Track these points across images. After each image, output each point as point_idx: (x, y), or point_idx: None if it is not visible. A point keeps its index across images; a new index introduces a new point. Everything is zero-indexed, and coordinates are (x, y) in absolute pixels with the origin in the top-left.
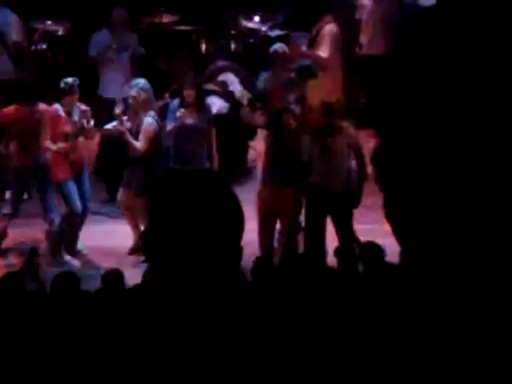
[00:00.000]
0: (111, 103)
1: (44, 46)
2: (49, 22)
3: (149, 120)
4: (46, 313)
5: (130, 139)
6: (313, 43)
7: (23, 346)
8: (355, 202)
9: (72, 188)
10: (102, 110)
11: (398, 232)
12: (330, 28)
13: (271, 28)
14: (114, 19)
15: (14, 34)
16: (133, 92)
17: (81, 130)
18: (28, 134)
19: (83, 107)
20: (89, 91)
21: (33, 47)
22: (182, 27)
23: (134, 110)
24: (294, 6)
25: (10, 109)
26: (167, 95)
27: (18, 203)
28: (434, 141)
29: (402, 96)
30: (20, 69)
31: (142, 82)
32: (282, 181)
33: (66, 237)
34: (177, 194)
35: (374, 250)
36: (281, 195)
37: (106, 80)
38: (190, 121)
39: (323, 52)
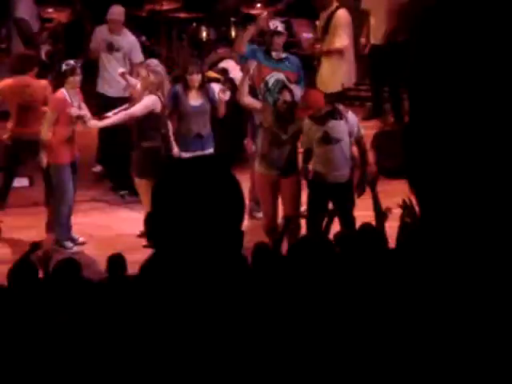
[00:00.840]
0: (106, 101)
1: (48, 47)
2: (50, 10)
3: (152, 97)
4: (50, 300)
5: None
6: (326, 30)
7: (25, 339)
8: (360, 190)
9: (68, 175)
10: (99, 105)
11: (420, 199)
12: (342, 14)
13: (273, 15)
14: (110, 17)
15: (20, 12)
16: (143, 72)
17: (81, 116)
18: (23, 107)
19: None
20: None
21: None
22: (183, 14)
23: (142, 90)
24: None
25: (7, 81)
26: (168, 81)
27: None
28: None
29: (427, 82)
30: (27, 46)
31: (154, 62)
32: (282, 168)
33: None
34: (179, 178)
35: (373, 234)
36: (281, 182)
37: (101, 77)
38: (195, 103)
39: (343, 39)
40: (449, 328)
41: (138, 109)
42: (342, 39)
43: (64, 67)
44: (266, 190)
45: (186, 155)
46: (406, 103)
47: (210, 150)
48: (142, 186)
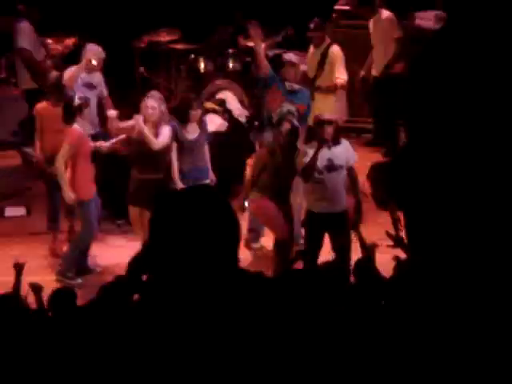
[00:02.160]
0: None
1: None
2: (49, 41)
3: (168, 127)
4: (44, 331)
5: (147, 132)
6: (321, 66)
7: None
8: (356, 221)
9: (93, 209)
10: None
11: (409, 231)
12: (338, 50)
13: (269, 47)
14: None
15: (22, 42)
16: (152, 102)
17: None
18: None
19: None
20: None
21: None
22: (181, 45)
23: (152, 121)
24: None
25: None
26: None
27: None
28: (452, 151)
29: (424, 110)
30: (34, 77)
31: (157, 93)
32: (283, 197)
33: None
34: (176, 208)
35: (366, 263)
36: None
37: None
38: (192, 137)
39: (344, 75)
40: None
41: (163, 140)
42: (342, 74)
43: (78, 101)
44: (267, 207)
45: (182, 185)
46: (402, 135)
47: (207, 181)
48: (134, 214)
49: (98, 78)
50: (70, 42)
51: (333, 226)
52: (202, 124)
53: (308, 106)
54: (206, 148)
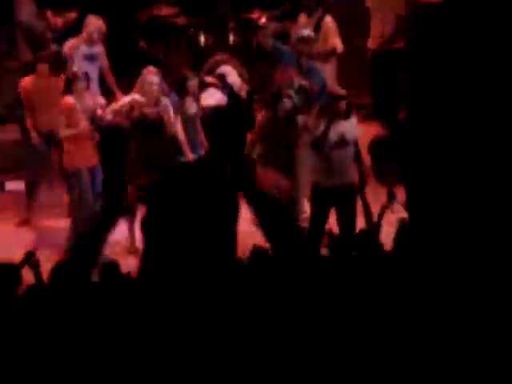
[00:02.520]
0: None
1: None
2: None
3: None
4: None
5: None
6: (316, 35)
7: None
8: (362, 186)
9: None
10: None
11: (411, 200)
12: (330, 19)
13: (269, 20)
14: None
15: (22, 15)
16: (156, 79)
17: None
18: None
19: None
20: None
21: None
22: (181, 20)
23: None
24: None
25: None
26: (166, 86)
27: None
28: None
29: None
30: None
31: (154, 68)
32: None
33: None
34: (173, 181)
35: (367, 237)
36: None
37: None
38: (192, 111)
39: (337, 44)
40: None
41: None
42: (337, 44)
43: (70, 75)
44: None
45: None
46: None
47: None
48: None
49: (98, 50)
50: (70, 15)
51: (339, 200)
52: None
53: (323, 87)
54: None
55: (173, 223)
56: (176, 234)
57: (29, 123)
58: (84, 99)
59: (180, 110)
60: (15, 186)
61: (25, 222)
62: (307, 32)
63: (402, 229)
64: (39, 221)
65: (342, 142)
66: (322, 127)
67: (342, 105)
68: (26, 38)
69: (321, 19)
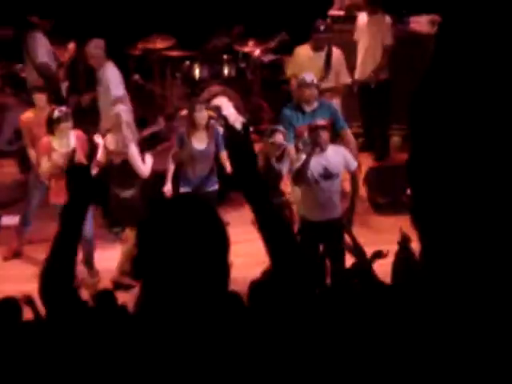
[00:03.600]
0: None
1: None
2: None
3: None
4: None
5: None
6: (327, 69)
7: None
8: (349, 220)
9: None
10: None
11: (424, 234)
12: (340, 52)
13: (264, 53)
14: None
15: (41, 56)
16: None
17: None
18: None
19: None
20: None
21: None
22: (177, 52)
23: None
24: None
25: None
26: (161, 119)
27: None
28: (466, 148)
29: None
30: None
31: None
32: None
33: None
34: (164, 218)
35: (365, 269)
36: None
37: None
38: (199, 146)
39: (348, 77)
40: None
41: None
42: (347, 77)
43: (56, 113)
44: None
45: (185, 190)
46: (394, 139)
47: (214, 188)
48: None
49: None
50: (71, 48)
51: (327, 234)
52: (211, 133)
53: (333, 116)
54: (224, 154)
55: (164, 260)
56: (168, 270)
57: (32, 155)
58: (67, 138)
59: (187, 144)
60: (10, 221)
61: (17, 254)
62: (311, 77)
63: (403, 261)
64: (34, 253)
65: (326, 175)
66: (301, 159)
67: (324, 136)
68: (44, 81)
69: (329, 52)
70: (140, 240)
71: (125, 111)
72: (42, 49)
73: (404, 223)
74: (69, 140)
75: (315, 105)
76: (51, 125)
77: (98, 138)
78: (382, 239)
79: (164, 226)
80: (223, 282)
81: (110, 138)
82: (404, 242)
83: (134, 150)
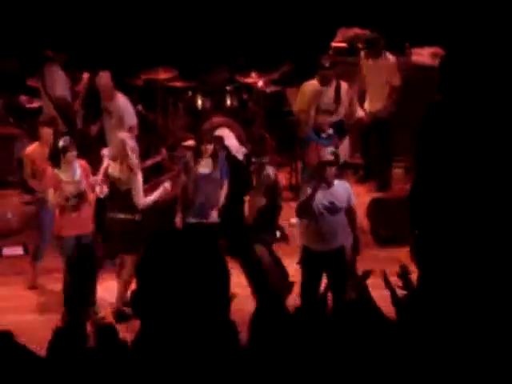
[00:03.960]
0: None
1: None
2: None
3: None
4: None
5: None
6: (337, 102)
7: None
8: (353, 259)
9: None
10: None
11: (423, 270)
12: (347, 86)
13: (267, 84)
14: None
15: (59, 90)
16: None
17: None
18: None
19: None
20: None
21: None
22: (179, 83)
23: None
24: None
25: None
26: (164, 150)
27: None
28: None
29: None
30: (65, 123)
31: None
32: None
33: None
34: (164, 253)
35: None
36: None
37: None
38: (204, 171)
39: (359, 110)
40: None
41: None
42: (360, 111)
43: (62, 143)
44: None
45: (190, 221)
46: (396, 171)
47: (214, 218)
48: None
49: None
50: (86, 77)
51: (329, 264)
52: (217, 161)
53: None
54: (225, 183)
55: (164, 294)
56: (167, 306)
57: (35, 185)
58: (73, 169)
59: (192, 169)
60: (12, 251)
61: (32, 286)
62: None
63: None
64: (46, 284)
65: (332, 208)
66: (307, 192)
67: (331, 171)
68: (61, 114)
69: (338, 87)
70: (139, 277)
71: (129, 138)
72: (60, 83)
73: (406, 256)
74: (75, 169)
75: (330, 132)
76: (57, 156)
77: (105, 152)
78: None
79: (164, 262)
80: (224, 316)
81: (114, 165)
82: (404, 276)
83: (139, 179)
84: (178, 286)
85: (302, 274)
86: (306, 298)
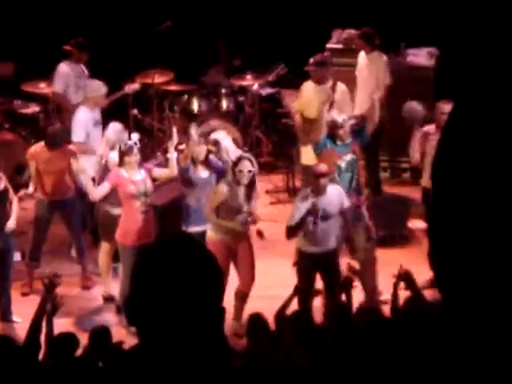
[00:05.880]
0: None
1: None
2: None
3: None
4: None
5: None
6: (331, 104)
7: None
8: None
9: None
10: None
11: (440, 281)
12: (344, 87)
13: (262, 86)
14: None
15: (57, 85)
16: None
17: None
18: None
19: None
20: None
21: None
22: (175, 86)
23: None
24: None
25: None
26: (159, 153)
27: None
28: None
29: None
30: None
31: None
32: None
33: None
34: (157, 261)
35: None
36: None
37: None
38: (203, 176)
39: (349, 111)
40: None
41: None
42: (350, 112)
43: (122, 147)
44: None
45: (193, 229)
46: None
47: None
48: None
49: (99, 115)
50: None
51: (323, 265)
52: (209, 163)
53: (356, 141)
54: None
55: (158, 302)
56: (162, 315)
57: (37, 188)
58: (135, 171)
59: (193, 174)
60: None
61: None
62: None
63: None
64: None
65: (325, 215)
66: (301, 209)
67: (323, 182)
68: (57, 109)
69: (334, 87)
70: (134, 286)
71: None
72: (59, 78)
73: (403, 255)
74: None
75: (347, 141)
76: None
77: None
78: (383, 272)
79: (157, 271)
80: (218, 327)
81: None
82: (407, 277)
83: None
84: (172, 294)
85: (297, 276)
86: (303, 301)
